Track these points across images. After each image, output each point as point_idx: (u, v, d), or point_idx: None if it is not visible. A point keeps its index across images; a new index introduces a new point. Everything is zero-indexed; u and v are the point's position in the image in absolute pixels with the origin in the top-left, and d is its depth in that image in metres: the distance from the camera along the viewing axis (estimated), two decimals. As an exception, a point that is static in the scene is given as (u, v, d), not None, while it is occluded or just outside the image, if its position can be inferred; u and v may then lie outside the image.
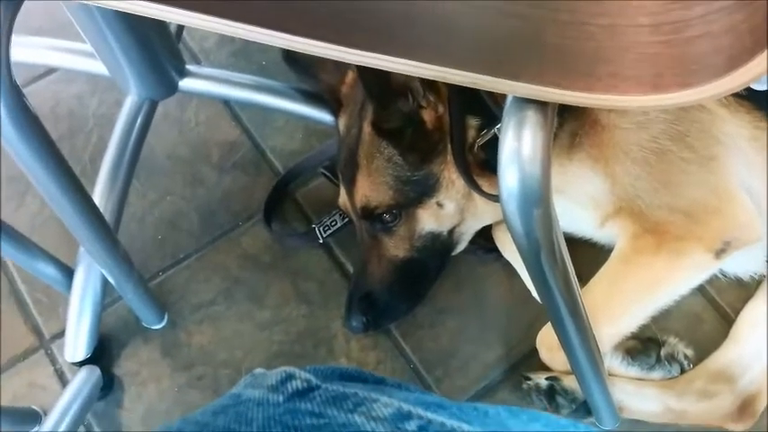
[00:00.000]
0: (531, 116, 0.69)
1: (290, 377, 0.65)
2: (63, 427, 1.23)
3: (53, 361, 1.39)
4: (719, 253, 1.17)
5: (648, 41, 0.57)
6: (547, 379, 1.25)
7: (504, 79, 0.61)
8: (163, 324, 1.41)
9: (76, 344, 1.33)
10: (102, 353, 1.36)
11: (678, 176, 1.16)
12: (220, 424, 0.61)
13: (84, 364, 1.32)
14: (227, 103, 1.63)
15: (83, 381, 1.29)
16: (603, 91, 0.60)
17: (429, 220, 1.26)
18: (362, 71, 1.10)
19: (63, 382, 1.37)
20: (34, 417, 1.31)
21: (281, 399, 0.63)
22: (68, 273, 1.32)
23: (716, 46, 0.56)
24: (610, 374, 1.24)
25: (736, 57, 0.55)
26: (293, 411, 0.61)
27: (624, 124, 1.16)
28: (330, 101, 1.39)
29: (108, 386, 1.35)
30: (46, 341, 1.41)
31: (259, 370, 0.72)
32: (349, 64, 1.32)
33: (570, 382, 1.23)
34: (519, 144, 0.70)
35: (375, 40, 0.62)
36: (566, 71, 0.60)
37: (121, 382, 1.37)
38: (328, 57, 0.64)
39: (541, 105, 0.69)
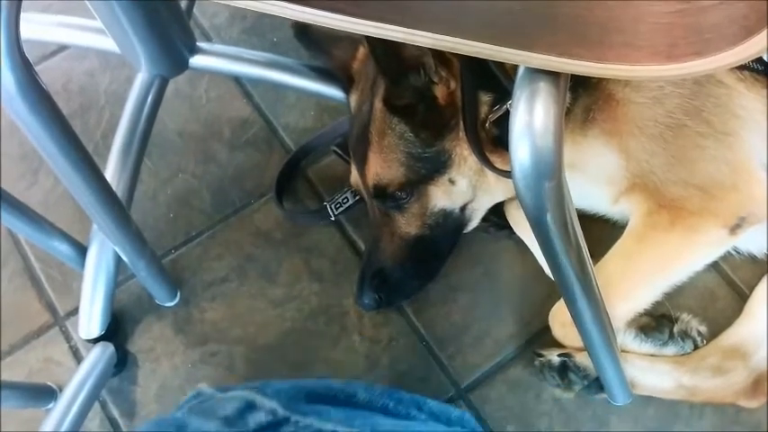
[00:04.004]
0: (544, 88, 0.68)
1: (249, 407, 0.56)
2: (78, 403, 1.25)
3: (68, 338, 1.41)
4: (734, 229, 1.16)
5: (662, 11, 0.56)
6: (559, 355, 1.25)
7: (515, 50, 0.61)
8: (176, 301, 1.41)
9: (90, 321, 1.34)
10: (116, 330, 1.37)
11: (694, 152, 1.15)
12: None
13: (98, 341, 1.33)
14: (238, 80, 1.63)
15: (97, 357, 1.30)
16: (616, 61, 0.59)
17: (441, 196, 1.26)
18: (374, 46, 1.10)
19: (77, 358, 1.38)
20: (50, 393, 1.33)
21: None
22: (82, 250, 1.33)
23: (730, 14, 0.55)
24: (623, 351, 1.23)
25: (751, 25, 0.54)
26: None
27: (639, 99, 1.15)
28: (342, 77, 1.38)
29: (122, 363, 1.36)
30: (60, 318, 1.42)
31: (205, 388, 0.63)
32: (360, 39, 1.31)
33: (583, 359, 1.23)
34: (531, 117, 0.69)
35: (387, 11, 0.62)
36: (578, 41, 0.59)
37: (135, 358, 1.38)
38: (341, 29, 0.63)
39: (554, 77, 0.68)
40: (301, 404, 0.58)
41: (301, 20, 0.63)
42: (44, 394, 1.32)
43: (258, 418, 0.54)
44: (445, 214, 1.28)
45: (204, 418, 0.54)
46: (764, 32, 0.53)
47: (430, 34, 0.61)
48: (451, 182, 1.24)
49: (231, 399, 0.55)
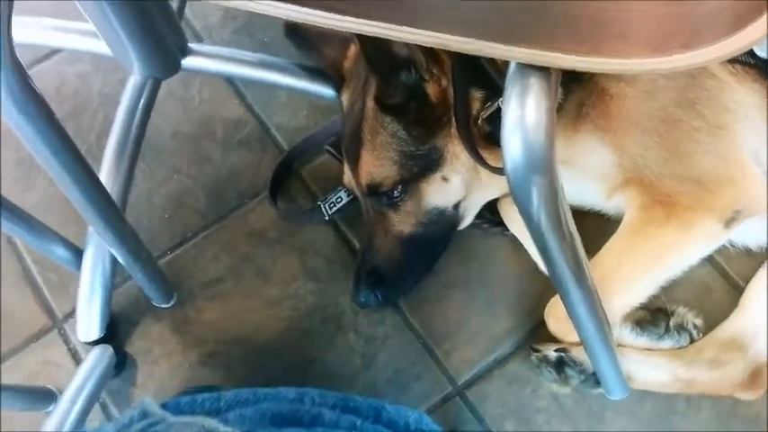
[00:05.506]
0: (535, 83, 0.68)
1: None
2: (78, 405, 1.24)
3: (66, 340, 1.40)
4: (729, 222, 1.16)
5: (654, 1, 0.56)
6: (556, 351, 1.25)
7: (506, 45, 0.61)
8: (172, 302, 1.41)
9: (89, 323, 1.34)
10: (114, 332, 1.37)
11: (688, 145, 1.15)
12: None
13: (96, 343, 1.33)
14: (230, 80, 1.63)
15: (96, 360, 1.30)
16: (609, 55, 0.59)
17: (434, 194, 1.26)
18: (364, 44, 1.10)
19: (77, 361, 1.38)
20: (50, 395, 1.33)
21: None
22: (78, 253, 1.33)
23: (722, 5, 0.55)
24: (619, 345, 1.24)
25: (743, 16, 0.54)
26: None
27: (632, 93, 1.15)
28: (333, 76, 1.38)
29: (121, 364, 1.36)
30: (59, 321, 1.42)
31: (150, 404, 0.57)
32: (351, 38, 1.31)
33: (579, 354, 1.23)
34: (522, 112, 0.70)
35: (376, 9, 0.62)
36: (570, 34, 0.59)
37: (134, 360, 1.38)
38: (330, 27, 0.63)
39: (545, 72, 0.68)
40: (270, 430, 0.54)
41: (292, 19, 0.63)
42: (44, 397, 1.32)
43: None
44: (439, 212, 1.28)
45: None
46: (757, 22, 0.53)
47: (420, 31, 0.61)
48: (444, 179, 1.25)
49: (187, 426, 0.49)
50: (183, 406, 0.69)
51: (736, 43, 0.56)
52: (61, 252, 1.31)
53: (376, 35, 0.64)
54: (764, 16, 0.53)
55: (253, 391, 0.72)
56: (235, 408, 0.64)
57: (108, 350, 1.32)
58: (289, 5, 0.62)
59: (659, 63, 0.58)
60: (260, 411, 0.62)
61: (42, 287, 1.45)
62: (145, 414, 0.58)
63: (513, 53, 0.62)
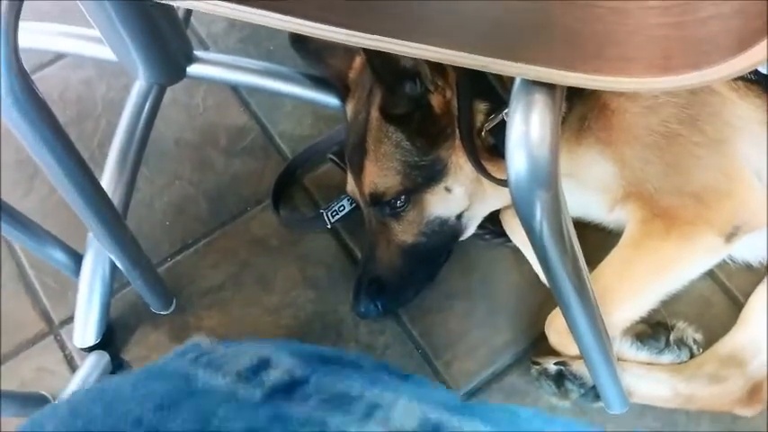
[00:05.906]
0: (540, 99, 0.68)
1: (264, 364, 0.50)
2: (73, 412, 1.24)
3: (62, 346, 1.40)
4: (730, 237, 1.16)
5: (657, 23, 0.56)
6: (556, 364, 1.25)
7: (512, 62, 0.61)
8: (171, 309, 1.41)
9: (86, 329, 1.33)
10: (111, 338, 1.37)
11: (688, 160, 1.15)
12: (174, 428, 0.43)
13: (93, 350, 1.33)
14: (235, 88, 1.63)
15: (92, 366, 1.30)
16: (613, 73, 0.59)
17: (437, 205, 1.26)
18: (370, 55, 1.10)
19: (72, 367, 1.37)
20: (44, 402, 1.31)
21: (258, 395, 0.47)
22: (77, 258, 1.32)
23: (726, 27, 0.55)
24: (619, 359, 1.24)
25: (747, 37, 0.54)
26: (282, 418, 0.45)
27: (634, 108, 1.15)
28: (338, 86, 1.39)
29: (117, 371, 1.35)
30: (55, 326, 1.42)
31: (203, 339, 0.59)
32: (357, 49, 1.31)
33: (579, 367, 1.23)
34: (527, 127, 0.70)
35: (384, 24, 0.62)
36: (575, 53, 0.59)
37: (130, 367, 1.37)
38: (337, 41, 0.63)
39: (549, 88, 0.68)
40: (318, 365, 0.53)
41: (299, 32, 0.63)
42: (37, 403, 1.31)
43: (275, 377, 0.48)
44: (441, 222, 1.28)
45: (212, 371, 0.49)
46: (761, 45, 0.54)
47: (425, 46, 0.62)
48: (447, 190, 1.25)
49: (242, 354, 0.50)
50: (230, 346, 0.69)
51: (740, 64, 0.56)
52: (60, 257, 1.31)
53: (379, 49, 0.64)
54: (765, 40, 0.53)
55: (295, 341, 0.71)
56: (282, 348, 0.63)
57: (104, 357, 1.32)
58: (292, 18, 0.62)
59: (665, 82, 0.58)
60: (307, 350, 0.61)
61: (40, 292, 1.45)
62: (197, 346, 0.58)
63: (518, 70, 0.62)
